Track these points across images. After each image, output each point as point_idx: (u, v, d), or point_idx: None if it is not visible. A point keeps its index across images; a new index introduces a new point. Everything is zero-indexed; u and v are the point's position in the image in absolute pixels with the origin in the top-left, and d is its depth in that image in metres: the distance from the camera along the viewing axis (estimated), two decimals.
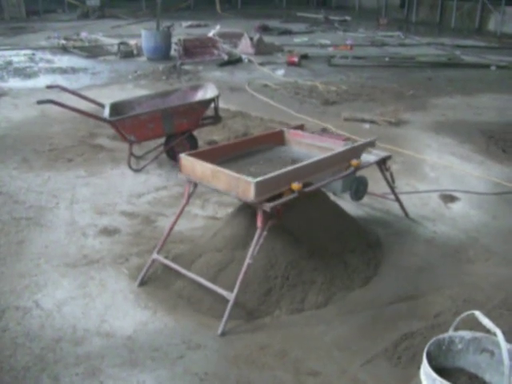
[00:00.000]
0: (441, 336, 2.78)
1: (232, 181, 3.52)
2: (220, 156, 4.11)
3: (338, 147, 4.30)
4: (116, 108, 6.11)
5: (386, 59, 13.96)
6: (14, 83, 10.55)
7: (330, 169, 4.06)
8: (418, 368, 3.19)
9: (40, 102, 5.44)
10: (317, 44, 16.73)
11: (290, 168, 3.71)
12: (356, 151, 4.30)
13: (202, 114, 6.24)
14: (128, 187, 5.71)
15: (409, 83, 11.19)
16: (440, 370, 2.63)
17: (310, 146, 4.52)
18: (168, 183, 5.85)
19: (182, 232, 4.65)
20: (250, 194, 3.40)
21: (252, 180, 3.39)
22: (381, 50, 15.84)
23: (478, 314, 2.59)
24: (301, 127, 4.89)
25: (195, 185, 3.91)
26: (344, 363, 3.25)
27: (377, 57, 14.39)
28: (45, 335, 3.42)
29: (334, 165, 4.09)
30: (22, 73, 11.53)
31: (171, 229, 4.07)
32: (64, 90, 6.36)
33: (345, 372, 3.18)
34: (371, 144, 4.56)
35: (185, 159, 3.86)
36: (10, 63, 12.54)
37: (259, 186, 3.39)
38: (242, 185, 3.44)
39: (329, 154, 4.05)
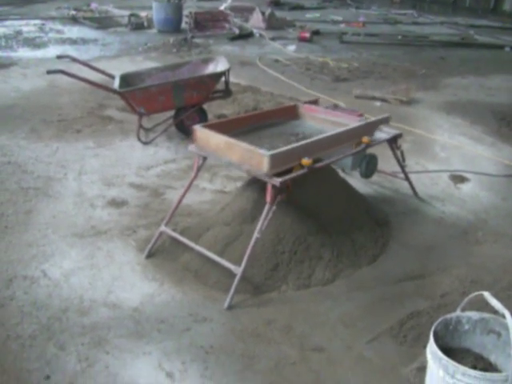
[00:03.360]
0: (448, 316, 2.76)
1: (246, 153, 3.50)
2: (234, 129, 4.08)
3: (353, 122, 4.26)
4: (126, 79, 6.07)
5: (399, 37, 13.82)
6: (24, 53, 10.49)
7: (344, 144, 4.03)
8: (424, 347, 3.18)
9: (50, 72, 5.41)
10: (329, 20, 16.56)
11: (304, 142, 3.69)
12: (370, 127, 4.28)
13: (213, 87, 6.19)
14: (137, 159, 5.69)
15: (421, 62, 11.07)
16: (446, 350, 2.62)
17: (323, 121, 4.49)
18: (177, 156, 5.83)
19: (190, 205, 4.64)
20: (264, 167, 3.39)
21: (266, 153, 3.37)
22: (393, 28, 15.67)
23: (486, 294, 2.57)
24: (315, 102, 4.86)
25: (204, 158, 3.88)
26: (349, 340, 3.25)
27: (389, 35, 14.23)
28: (52, 304, 3.43)
29: (348, 140, 4.07)
30: (32, 43, 11.47)
31: (179, 202, 4.06)
32: (74, 60, 6.31)
33: (350, 348, 3.18)
34: (386, 120, 4.52)
35: (199, 131, 3.83)
36: (19, 33, 12.47)
37: (273, 159, 3.38)
38: (256, 157, 3.43)
39: (344, 128, 4.02)
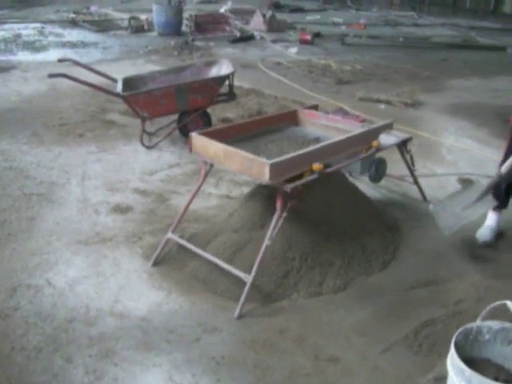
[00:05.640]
0: (468, 326, 2.68)
1: (246, 162, 3.37)
2: (232, 135, 3.97)
3: (355, 129, 4.17)
4: (129, 83, 5.99)
5: (400, 39, 13.77)
6: (24, 56, 10.43)
7: (348, 151, 3.94)
8: (439, 356, 3.12)
9: (52, 76, 5.32)
10: (329, 22, 16.52)
11: (306, 149, 3.57)
12: (374, 133, 4.17)
13: (217, 90, 6.11)
14: (140, 164, 5.61)
15: (423, 64, 11.03)
16: (466, 361, 2.53)
17: (324, 127, 4.39)
18: (181, 160, 5.75)
19: (196, 211, 4.55)
20: (265, 176, 3.26)
21: (267, 161, 3.25)
22: (394, 30, 15.63)
23: (509, 303, 2.48)
24: (315, 107, 4.76)
25: (212, 164, 3.79)
26: (364, 350, 3.16)
27: (391, 36, 14.19)
28: (57, 315, 3.34)
29: (351, 147, 3.96)
30: (32, 46, 11.40)
31: (186, 208, 3.97)
32: (76, 63, 6.23)
33: (365, 359, 3.09)
34: (389, 126, 4.43)
35: (196, 138, 3.70)
36: (18, 36, 12.41)
37: (274, 168, 3.25)
38: (257, 166, 3.30)
39: (347, 135, 3.91)
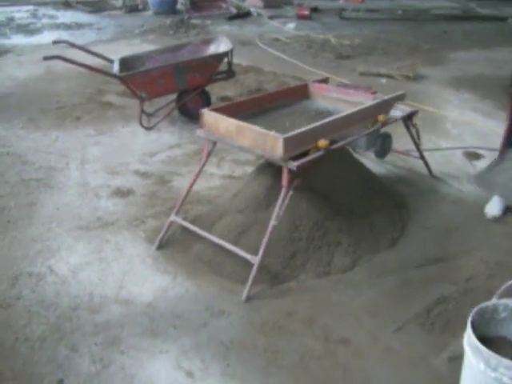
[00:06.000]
0: (484, 304, 2.59)
1: (259, 137, 3.29)
2: (243, 111, 3.87)
3: (367, 101, 4.06)
4: (126, 63, 5.86)
5: (399, 12, 13.57)
6: (18, 40, 10.26)
7: (360, 124, 3.84)
8: (453, 335, 3.05)
9: (46, 58, 5.19)
10: None
11: (319, 123, 3.47)
12: (386, 105, 4.08)
13: (216, 68, 5.97)
14: (140, 146, 5.50)
15: (424, 37, 10.85)
16: (482, 340, 2.46)
17: (336, 100, 4.29)
18: (181, 141, 5.64)
19: (199, 192, 4.46)
20: (279, 151, 3.18)
21: (280, 136, 3.17)
22: (393, 3, 15.38)
23: None
24: (325, 80, 4.66)
25: (214, 143, 3.69)
26: (375, 330, 3.09)
27: (389, 9, 13.97)
28: (60, 303, 3.26)
29: (364, 119, 3.88)
30: (25, 29, 11.22)
31: (189, 190, 3.87)
32: (71, 45, 6.08)
33: (376, 339, 3.02)
34: (401, 97, 4.32)
35: (207, 115, 3.62)
36: (11, 19, 12.21)
37: (288, 142, 3.17)
38: (270, 141, 3.22)
39: (360, 107, 3.82)
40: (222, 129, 3.53)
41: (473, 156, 5.35)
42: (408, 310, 3.22)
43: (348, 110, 3.76)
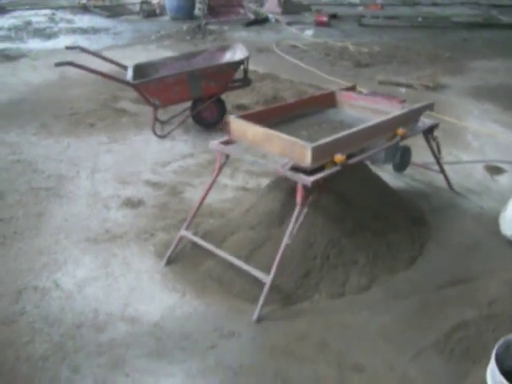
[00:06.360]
0: (509, 337, 2.44)
1: (287, 145, 3.21)
2: (269, 118, 3.78)
3: (395, 110, 3.93)
4: (140, 70, 5.77)
5: (419, 19, 13.37)
6: (34, 44, 10.23)
7: (390, 132, 3.74)
8: (473, 363, 2.89)
9: (58, 64, 5.10)
10: (346, 3, 16.08)
11: (348, 131, 3.40)
12: (415, 115, 3.96)
13: (231, 76, 5.85)
14: (152, 155, 5.40)
15: (444, 45, 10.65)
16: (506, 373, 2.31)
17: (364, 109, 4.18)
18: (195, 150, 5.52)
19: (211, 204, 4.33)
20: (307, 160, 3.10)
21: (309, 144, 3.09)
22: (413, 10, 15.19)
23: None
24: (353, 88, 4.54)
25: (227, 156, 3.57)
26: (391, 357, 2.94)
27: (409, 17, 13.78)
28: (65, 319, 3.15)
29: (393, 128, 3.76)
30: (42, 33, 11.20)
31: (201, 203, 3.75)
32: (84, 51, 6.01)
33: (392, 367, 2.87)
34: (430, 107, 4.20)
35: (235, 122, 3.54)
36: (29, 23, 12.21)
37: (317, 151, 3.10)
38: (298, 149, 3.14)
39: (388, 116, 3.71)
40: (249, 136, 3.46)
41: (494, 170, 5.17)
42: (426, 336, 3.06)
43: (376, 119, 3.66)
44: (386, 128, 3.71)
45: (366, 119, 3.86)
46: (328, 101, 4.34)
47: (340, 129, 3.71)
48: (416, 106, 4.05)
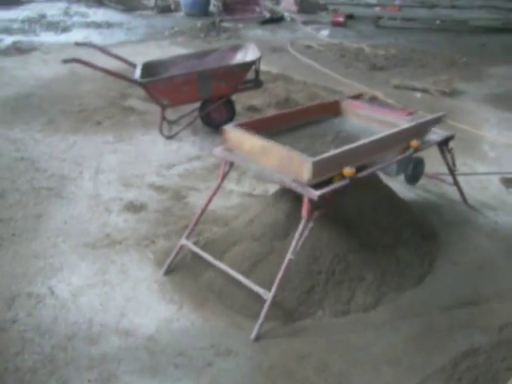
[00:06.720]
0: None
1: (285, 159, 3.02)
2: (270, 127, 3.59)
3: (402, 122, 3.76)
4: (149, 68, 5.65)
5: (437, 22, 13.14)
6: (46, 38, 10.14)
7: (394, 148, 3.55)
8: None
9: (66, 61, 5.00)
10: (363, 3, 15.86)
11: (351, 145, 3.19)
12: (424, 127, 3.77)
13: (242, 77, 5.72)
14: (158, 156, 5.27)
15: (461, 49, 10.42)
16: None
17: (369, 119, 3.97)
18: (202, 152, 5.39)
19: (215, 211, 4.21)
20: (307, 175, 2.92)
21: (309, 159, 2.90)
22: (431, 12, 14.91)
23: None
24: (359, 96, 4.36)
25: (231, 164, 3.43)
26: (393, 382, 2.79)
27: (427, 19, 13.54)
28: (57, 330, 3.04)
29: (399, 143, 3.57)
30: (55, 27, 11.13)
31: (203, 211, 3.62)
32: (93, 47, 5.90)
33: None
34: (440, 120, 3.99)
35: (230, 132, 3.35)
36: (43, 16, 12.14)
37: (317, 166, 2.91)
38: (297, 164, 2.95)
39: (396, 129, 3.52)
40: (246, 147, 3.27)
41: (510, 183, 4.99)
42: (432, 361, 2.92)
43: (381, 133, 3.45)
44: (393, 142, 3.51)
45: (372, 131, 3.70)
46: (333, 109, 4.15)
47: (344, 141, 3.54)
48: (425, 118, 3.85)
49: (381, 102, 4.71)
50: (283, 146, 3.10)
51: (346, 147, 3.16)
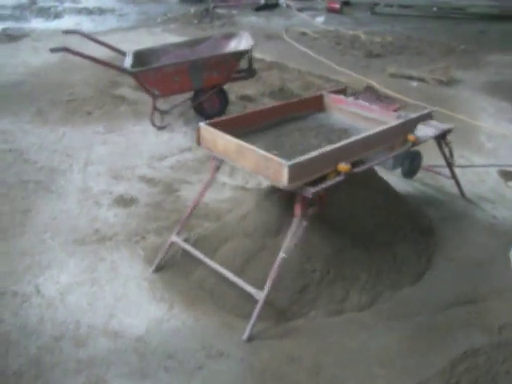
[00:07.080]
0: None
1: (261, 161, 2.85)
2: (248, 125, 3.45)
3: (389, 118, 3.64)
4: (139, 57, 5.53)
5: (434, 9, 12.96)
6: (37, 24, 9.99)
7: (381, 146, 3.41)
8: None
9: (54, 50, 4.86)
10: None
11: (332, 146, 3.01)
12: (410, 125, 3.63)
13: (235, 66, 5.60)
14: (149, 147, 5.17)
15: (458, 37, 10.30)
16: None
17: (353, 115, 3.84)
18: (194, 143, 5.20)
19: (208, 204, 4.11)
20: (283, 179, 2.75)
21: (286, 162, 2.73)
22: None
23: None
24: (343, 91, 4.22)
25: (222, 160, 3.32)
26: None
27: (424, 6, 13.36)
28: (44, 331, 2.95)
29: (385, 141, 3.42)
30: (46, 13, 10.95)
31: (194, 207, 3.52)
32: (82, 35, 5.76)
33: None
34: (428, 116, 3.87)
35: (205, 130, 3.18)
36: (34, 2, 11.95)
37: (294, 170, 2.74)
38: (273, 167, 2.78)
39: (380, 128, 3.36)
40: (220, 147, 3.11)
41: (509, 176, 4.90)
42: (429, 363, 2.83)
43: (366, 131, 3.32)
44: (378, 141, 3.33)
45: (357, 128, 3.59)
46: (316, 105, 4.01)
47: (326, 139, 3.42)
48: (411, 116, 3.70)
49: (374, 92, 4.59)
50: (257, 147, 2.92)
51: (324, 148, 2.97)
